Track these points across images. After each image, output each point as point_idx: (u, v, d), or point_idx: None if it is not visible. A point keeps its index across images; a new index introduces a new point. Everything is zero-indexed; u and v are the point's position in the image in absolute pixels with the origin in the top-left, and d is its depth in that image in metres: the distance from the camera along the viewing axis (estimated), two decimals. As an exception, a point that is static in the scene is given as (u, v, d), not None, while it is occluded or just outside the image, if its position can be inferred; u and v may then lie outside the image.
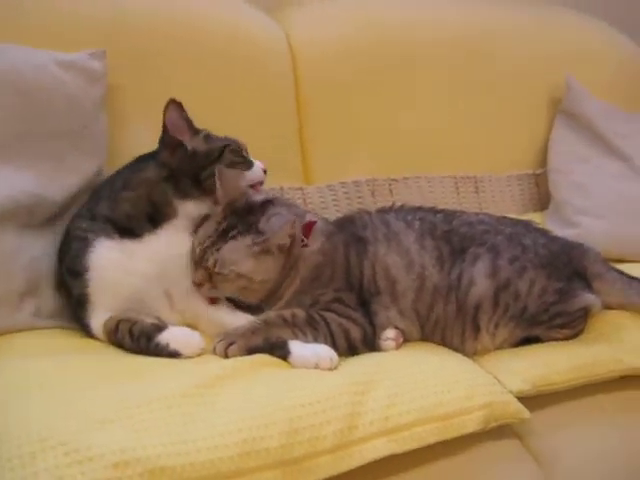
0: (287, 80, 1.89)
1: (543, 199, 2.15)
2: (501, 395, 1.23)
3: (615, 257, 1.74)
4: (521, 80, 2.19)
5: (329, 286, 1.38)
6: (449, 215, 1.50)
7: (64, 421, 0.97)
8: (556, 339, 1.44)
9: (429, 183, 2.02)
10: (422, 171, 2.01)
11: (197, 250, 1.36)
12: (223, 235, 1.35)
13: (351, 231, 1.45)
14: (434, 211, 1.52)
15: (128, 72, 1.65)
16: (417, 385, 1.18)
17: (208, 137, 1.47)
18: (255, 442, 1.00)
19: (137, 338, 1.29)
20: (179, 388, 1.07)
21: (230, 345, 1.26)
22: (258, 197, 1.43)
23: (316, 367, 1.22)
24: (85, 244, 1.36)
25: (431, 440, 1.12)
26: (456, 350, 1.39)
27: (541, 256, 1.44)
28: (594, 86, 2.18)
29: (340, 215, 1.64)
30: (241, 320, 1.34)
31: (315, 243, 1.40)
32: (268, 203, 1.41)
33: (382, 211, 1.52)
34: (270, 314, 1.33)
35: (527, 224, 1.54)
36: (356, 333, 1.34)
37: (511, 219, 1.57)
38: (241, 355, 1.24)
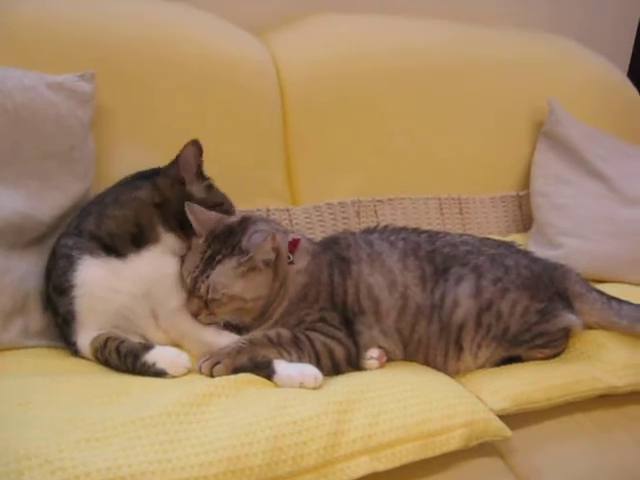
0: (274, 102, 1.89)
1: (526, 220, 2.17)
2: (483, 413, 1.25)
3: (596, 277, 1.76)
4: (504, 104, 2.20)
5: (314, 306, 1.39)
6: (433, 236, 1.51)
7: (50, 439, 0.98)
8: (537, 359, 1.45)
9: (414, 204, 2.03)
10: (407, 192, 2.02)
11: (187, 280, 1.37)
12: (209, 262, 1.36)
13: (335, 251, 1.46)
14: (418, 232, 1.53)
15: (116, 94, 1.65)
16: (399, 404, 1.19)
17: (210, 187, 1.49)
18: (239, 460, 1.01)
19: (124, 356, 1.29)
20: (165, 407, 1.08)
21: (216, 364, 1.27)
22: (234, 218, 1.44)
23: (301, 386, 1.23)
24: (71, 261, 1.36)
25: (413, 458, 1.14)
26: (439, 370, 1.40)
27: (523, 277, 1.45)
28: (577, 109, 2.20)
29: (326, 235, 1.66)
30: (226, 340, 1.34)
31: (301, 262, 1.42)
32: (246, 221, 1.42)
33: (366, 231, 1.54)
34: (256, 334, 1.34)
35: (510, 245, 1.55)
36: (340, 353, 1.34)
37: (494, 240, 1.59)
38: (227, 374, 1.25)
